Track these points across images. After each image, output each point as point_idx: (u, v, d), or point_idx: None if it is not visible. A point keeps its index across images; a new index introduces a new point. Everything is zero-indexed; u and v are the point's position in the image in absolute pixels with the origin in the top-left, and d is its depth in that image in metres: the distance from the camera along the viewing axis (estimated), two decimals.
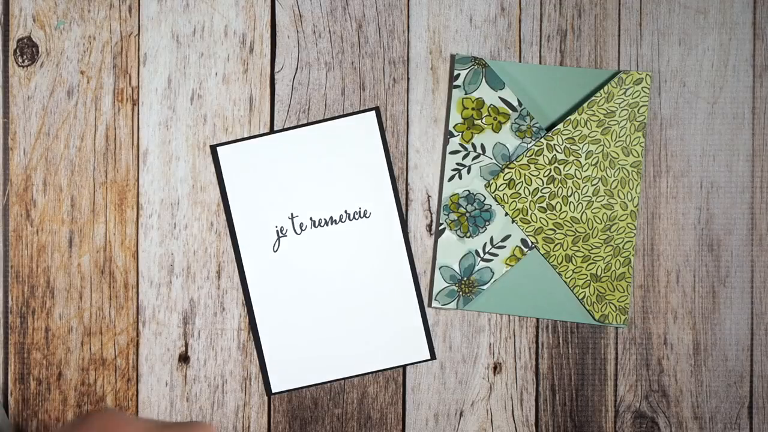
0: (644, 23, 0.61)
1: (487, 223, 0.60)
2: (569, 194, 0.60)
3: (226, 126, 0.60)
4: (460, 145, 0.60)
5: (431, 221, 0.61)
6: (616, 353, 0.61)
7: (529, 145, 0.60)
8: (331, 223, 0.60)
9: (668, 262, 0.61)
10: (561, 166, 0.60)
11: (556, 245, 0.60)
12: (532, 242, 0.60)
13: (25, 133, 0.60)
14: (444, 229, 0.60)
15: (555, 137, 0.60)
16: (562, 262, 0.60)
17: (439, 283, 0.60)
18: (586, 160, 0.60)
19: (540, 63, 0.61)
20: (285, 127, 0.60)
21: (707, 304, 0.61)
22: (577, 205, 0.60)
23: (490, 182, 0.60)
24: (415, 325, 0.60)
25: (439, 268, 0.60)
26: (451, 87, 0.60)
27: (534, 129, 0.60)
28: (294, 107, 0.60)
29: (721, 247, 0.61)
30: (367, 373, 0.60)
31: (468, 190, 0.60)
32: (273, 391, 0.60)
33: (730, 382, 0.61)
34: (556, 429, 0.61)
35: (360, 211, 0.60)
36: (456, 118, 0.60)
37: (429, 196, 0.61)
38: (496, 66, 0.60)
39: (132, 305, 0.60)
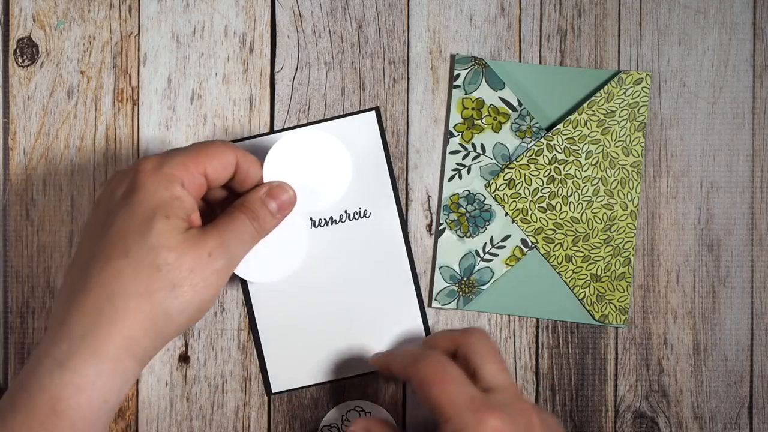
0: (644, 23, 0.61)
1: (487, 223, 0.60)
2: (569, 194, 0.60)
3: (226, 126, 0.60)
4: (460, 145, 0.60)
5: (431, 221, 0.61)
6: (616, 353, 0.61)
7: (529, 145, 0.60)
8: (331, 223, 0.60)
9: (668, 262, 0.61)
10: (561, 166, 0.60)
11: (556, 245, 0.60)
12: (532, 242, 0.60)
13: (25, 133, 0.60)
14: (444, 229, 0.60)
15: (555, 137, 0.60)
16: (562, 262, 0.60)
17: (439, 283, 0.60)
18: (586, 160, 0.60)
19: (540, 63, 0.61)
20: (285, 127, 0.60)
21: (707, 304, 0.61)
22: (577, 205, 0.60)
23: (490, 182, 0.60)
24: (415, 325, 0.60)
25: (439, 268, 0.60)
26: (451, 87, 0.60)
27: (534, 129, 0.60)
28: (294, 107, 0.60)
29: (721, 247, 0.61)
30: (367, 373, 0.60)
31: (468, 190, 0.60)
32: (273, 391, 0.60)
33: (730, 382, 0.61)
34: None
35: (360, 211, 0.60)
36: (456, 118, 0.60)
37: (429, 196, 0.61)
38: (496, 66, 0.60)
39: None
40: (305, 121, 0.60)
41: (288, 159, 0.54)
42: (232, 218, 0.50)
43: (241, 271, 0.55)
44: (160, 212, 0.47)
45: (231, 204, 0.52)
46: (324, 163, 0.55)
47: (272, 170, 0.54)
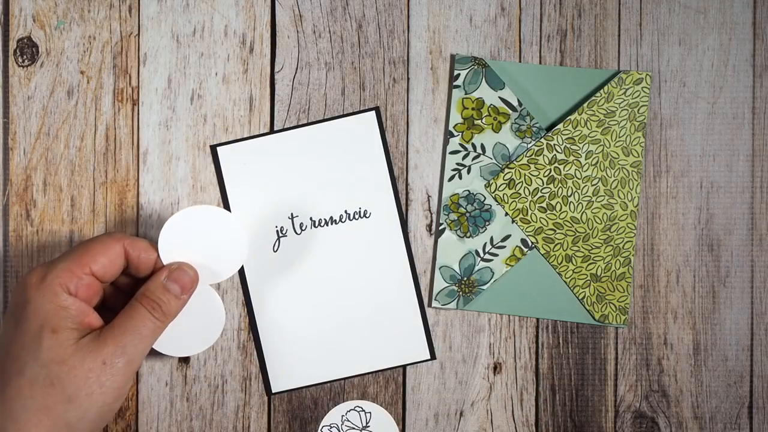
0: (644, 23, 0.61)
1: (487, 223, 0.60)
2: (569, 194, 0.60)
3: (226, 126, 0.60)
4: (460, 145, 0.60)
5: (431, 221, 0.61)
6: (616, 353, 0.61)
7: (529, 145, 0.60)
8: (331, 223, 0.60)
9: (668, 262, 0.61)
10: (561, 166, 0.60)
11: (556, 245, 0.60)
12: (532, 242, 0.60)
13: (25, 133, 0.60)
14: (444, 229, 0.60)
15: (555, 137, 0.60)
16: (562, 262, 0.60)
17: (439, 283, 0.60)
18: (586, 160, 0.60)
19: (540, 63, 0.61)
20: (285, 127, 0.60)
21: (707, 304, 0.61)
22: (577, 205, 0.60)
23: (490, 182, 0.60)
24: (415, 325, 0.60)
25: (439, 268, 0.60)
26: (451, 87, 0.60)
27: (534, 129, 0.60)
28: (294, 107, 0.60)
29: (721, 247, 0.61)
30: (367, 373, 0.60)
31: (468, 190, 0.60)
32: (273, 391, 0.60)
33: (730, 382, 0.61)
34: (556, 429, 0.61)
35: (360, 211, 0.60)
36: (456, 118, 0.60)
37: (429, 196, 0.61)
38: (496, 66, 0.60)
39: None
40: (305, 121, 0.60)
41: (181, 236, 0.54)
42: (132, 314, 0.51)
43: (161, 347, 0.55)
44: (47, 327, 0.49)
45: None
46: (218, 235, 0.54)
47: (168, 251, 0.53)
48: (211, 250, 0.54)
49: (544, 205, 0.60)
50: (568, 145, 0.60)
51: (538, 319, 0.61)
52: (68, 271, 0.50)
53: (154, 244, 0.53)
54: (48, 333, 0.49)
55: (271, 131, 0.60)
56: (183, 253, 0.54)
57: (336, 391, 0.60)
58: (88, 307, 0.51)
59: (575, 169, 0.60)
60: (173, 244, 0.54)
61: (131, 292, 0.54)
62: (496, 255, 0.60)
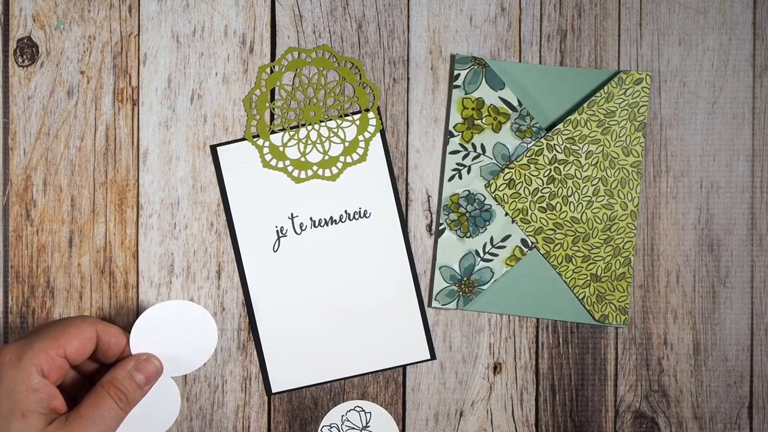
0: (644, 23, 0.61)
1: (487, 223, 0.60)
2: (569, 194, 0.60)
3: (226, 126, 0.60)
4: (460, 145, 0.60)
5: (431, 221, 0.61)
6: (616, 353, 0.61)
7: (529, 145, 0.60)
8: (331, 223, 0.60)
9: (668, 262, 0.61)
10: (561, 166, 0.60)
11: (556, 245, 0.60)
12: (532, 242, 0.60)
13: (25, 133, 0.60)
14: (444, 229, 0.60)
15: (555, 137, 0.60)
16: (562, 262, 0.60)
17: (439, 283, 0.60)
18: (586, 160, 0.60)
19: (540, 63, 0.61)
20: (284, 127, 0.60)
21: (707, 304, 0.61)
22: (577, 205, 0.60)
23: (490, 182, 0.60)
24: (415, 325, 0.60)
25: (439, 268, 0.60)
26: (451, 87, 0.60)
27: (534, 129, 0.60)
28: (294, 107, 0.60)
29: (721, 247, 0.61)
30: (367, 373, 0.60)
31: (468, 190, 0.60)
32: (273, 391, 0.60)
33: (730, 382, 0.61)
34: (556, 429, 0.61)
35: (360, 211, 0.60)
36: (456, 118, 0.60)
37: (429, 196, 0.61)
38: (496, 66, 0.60)
39: (132, 305, 0.60)
40: (304, 121, 0.60)
41: (154, 328, 0.55)
42: (98, 402, 0.51)
43: None
44: (17, 410, 0.49)
45: (100, 375, 0.54)
46: (189, 330, 0.55)
47: (139, 341, 0.54)
48: (180, 344, 0.55)
49: (544, 205, 0.60)
50: (568, 145, 0.60)
51: (538, 319, 0.61)
52: (44, 353, 0.51)
53: (124, 331, 0.54)
54: (18, 417, 0.49)
55: (271, 132, 0.60)
56: (152, 345, 0.54)
57: (336, 391, 0.60)
58: (56, 390, 0.51)
59: (575, 169, 0.60)
60: (145, 335, 0.54)
61: (91, 377, 0.55)
62: (496, 255, 0.60)
